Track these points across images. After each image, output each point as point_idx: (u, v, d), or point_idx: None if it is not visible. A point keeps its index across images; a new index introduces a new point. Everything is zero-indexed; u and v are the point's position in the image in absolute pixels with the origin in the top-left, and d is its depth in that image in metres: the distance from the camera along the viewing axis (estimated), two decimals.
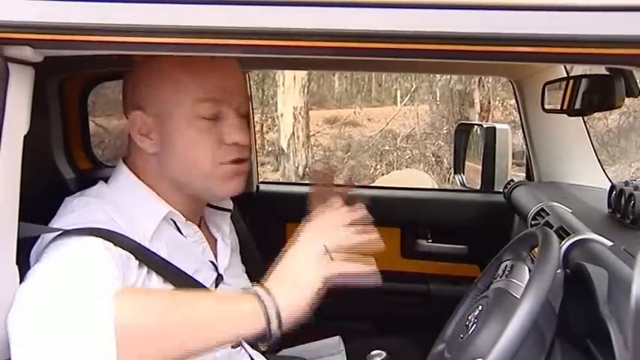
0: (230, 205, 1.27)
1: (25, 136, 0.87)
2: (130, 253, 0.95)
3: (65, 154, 1.70)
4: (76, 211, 0.99)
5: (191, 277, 1.05)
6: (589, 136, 1.77)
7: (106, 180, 1.12)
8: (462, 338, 0.95)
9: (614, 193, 1.21)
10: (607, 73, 1.26)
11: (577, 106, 1.33)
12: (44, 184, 1.45)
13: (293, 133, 8.00)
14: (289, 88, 7.93)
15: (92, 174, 1.85)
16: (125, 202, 1.05)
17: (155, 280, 0.99)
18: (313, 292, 0.87)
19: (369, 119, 11.12)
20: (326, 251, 0.91)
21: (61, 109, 1.68)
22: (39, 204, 0.98)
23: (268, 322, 0.83)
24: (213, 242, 1.20)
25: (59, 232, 0.92)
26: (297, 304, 0.86)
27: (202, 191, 1.11)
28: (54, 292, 0.80)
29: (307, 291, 0.87)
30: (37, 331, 0.76)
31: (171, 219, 1.10)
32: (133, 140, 1.09)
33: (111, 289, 0.79)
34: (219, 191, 1.11)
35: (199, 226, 1.16)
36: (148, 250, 1.00)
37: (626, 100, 1.26)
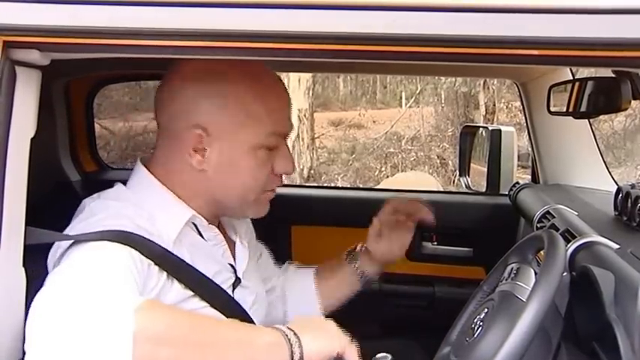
0: None
1: (32, 139, 0.87)
2: (152, 260, 0.94)
3: (71, 156, 1.71)
4: (96, 214, 0.98)
5: (212, 281, 1.05)
6: (595, 139, 1.76)
7: (122, 182, 1.11)
8: (467, 341, 0.95)
9: (621, 195, 1.21)
10: (613, 75, 1.26)
11: (583, 108, 1.33)
12: (50, 186, 1.46)
13: (298, 135, 8.00)
14: (294, 90, 7.92)
15: (98, 176, 1.86)
16: (147, 204, 1.03)
17: (176, 287, 0.98)
18: (338, 342, 0.90)
19: (374, 121, 11.10)
20: None
21: (67, 111, 1.69)
22: (45, 206, 0.99)
23: (291, 355, 0.84)
24: (231, 245, 1.19)
25: (78, 237, 0.91)
26: (321, 349, 0.88)
27: (234, 211, 1.13)
28: (75, 300, 0.79)
29: (333, 340, 0.90)
30: (54, 338, 0.76)
31: (193, 222, 1.08)
32: (176, 152, 1.05)
33: (133, 301, 0.79)
34: (250, 213, 1.14)
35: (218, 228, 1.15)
36: (171, 255, 0.99)
37: (632, 102, 1.25)
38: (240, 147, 1.05)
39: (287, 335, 0.86)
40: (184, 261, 1.01)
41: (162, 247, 0.97)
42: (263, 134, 1.05)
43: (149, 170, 1.09)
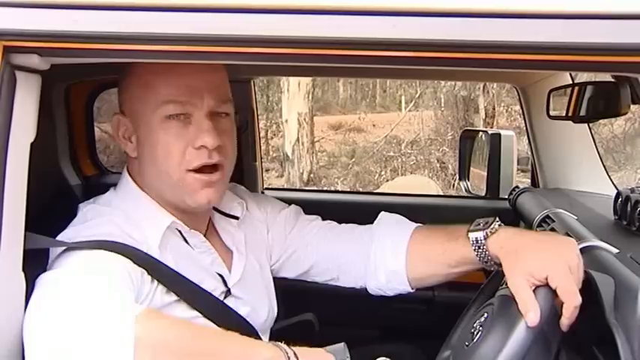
0: (238, 212, 1.21)
1: (32, 143, 0.88)
2: (144, 268, 0.95)
3: (71, 160, 1.71)
4: (89, 220, 1.00)
5: (200, 287, 1.05)
6: (594, 143, 1.76)
7: (115, 187, 1.12)
8: (467, 346, 0.95)
9: (620, 199, 1.20)
10: (612, 80, 1.26)
11: (582, 112, 1.33)
12: (50, 191, 1.46)
13: (297, 139, 8.01)
14: (294, 94, 7.94)
15: (97, 180, 1.86)
16: (132, 211, 1.05)
17: (166, 293, 0.99)
18: None
19: (374, 125, 11.12)
20: None
21: (67, 115, 1.69)
22: (45, 210, 0.99)
23: None
24: (227, 254, 1.17)
25: (76, 245, 0.92)
26: None
27: (175, 200, 1.07)
28: (75, 307, 0.80)
29: None
30: (55, 345, 0.76)
31: (177, 229, 1.08)
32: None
33: (133, 309, 0.80)
34: (189, 201, 1.07)
35: (206, 236, 1.14)
36: (159, 262, 0.99)
37: (632, 106, 1.25)
38: (148, 121, 1.05)
39: (287, 354, 0.86)
40: (171, 268, 1.01)
41: (150, 255, 0.98)
42: (159, 102, 1.03)
43: (130, 174, 1.11)
